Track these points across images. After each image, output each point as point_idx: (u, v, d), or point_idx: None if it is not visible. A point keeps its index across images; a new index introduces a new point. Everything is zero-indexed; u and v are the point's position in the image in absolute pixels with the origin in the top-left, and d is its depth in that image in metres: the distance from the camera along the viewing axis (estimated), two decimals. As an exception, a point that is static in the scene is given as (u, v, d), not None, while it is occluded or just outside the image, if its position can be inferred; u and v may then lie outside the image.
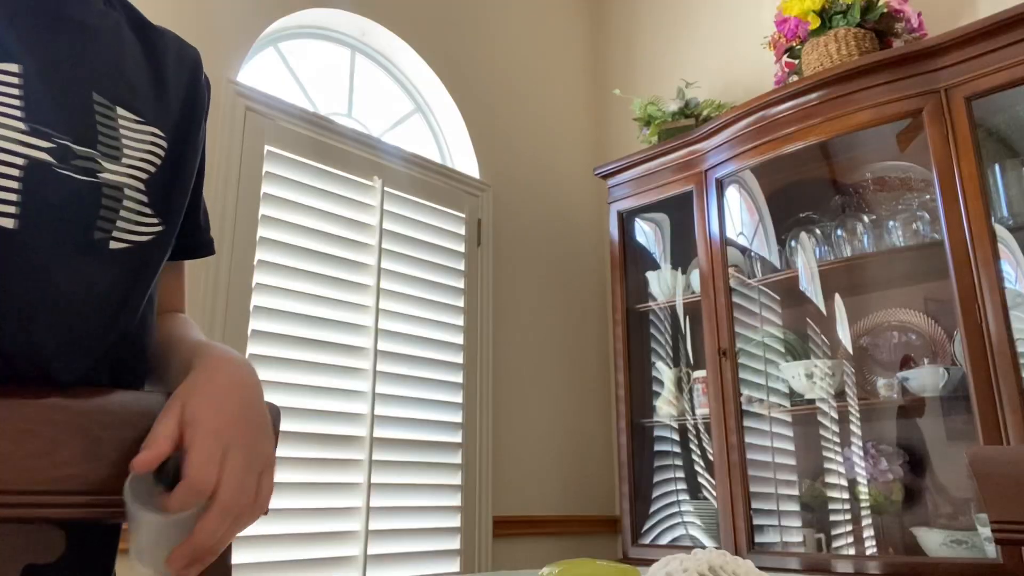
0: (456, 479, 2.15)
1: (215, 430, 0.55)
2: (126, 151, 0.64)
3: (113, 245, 0.63)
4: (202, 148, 0.77)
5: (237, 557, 1.64)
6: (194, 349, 0.66)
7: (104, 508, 0.54)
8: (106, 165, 0.62)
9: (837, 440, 2.07)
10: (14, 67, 0.58)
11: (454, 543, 2.10)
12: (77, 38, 0.63)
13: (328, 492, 1.83)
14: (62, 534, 0.56)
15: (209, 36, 1.85)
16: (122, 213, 0.63)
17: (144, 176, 0.65)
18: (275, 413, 0.66)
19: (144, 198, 0.65)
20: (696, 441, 2.35)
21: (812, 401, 2.07)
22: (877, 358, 2.12)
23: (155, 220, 0.67)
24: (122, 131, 0.64)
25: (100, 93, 0.63)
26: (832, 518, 2.04)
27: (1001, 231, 1.75)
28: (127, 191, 0.63)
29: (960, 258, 1.75)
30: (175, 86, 0.72)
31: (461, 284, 2.30)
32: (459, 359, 2.23)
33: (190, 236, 0.78)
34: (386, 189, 2.12)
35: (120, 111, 0.64)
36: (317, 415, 1.84)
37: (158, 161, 0.67)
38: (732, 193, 2.28)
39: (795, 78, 2.20)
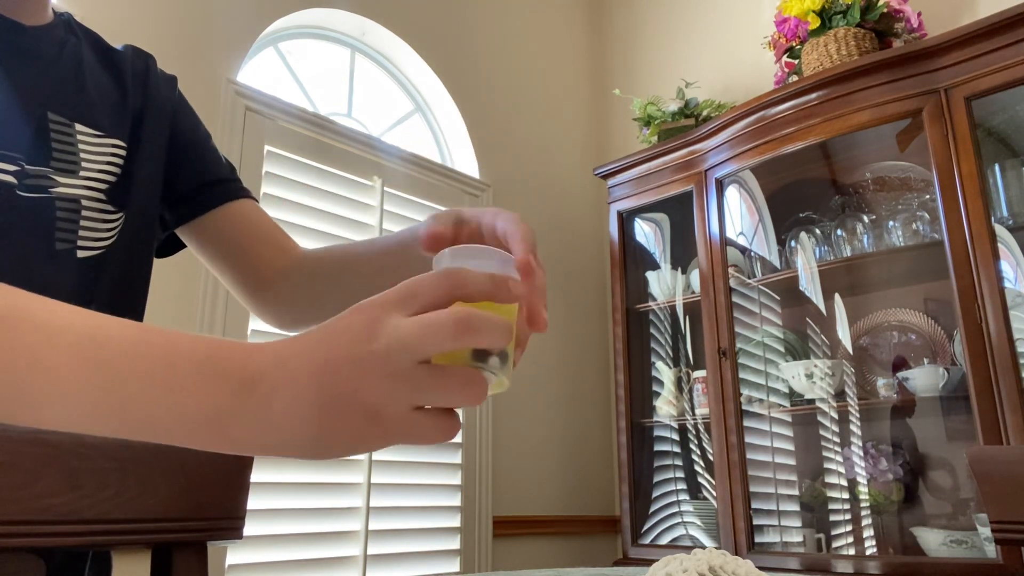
0: (456, 479, 2.15)
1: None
2: (84, 164, 0.68)
3: (81, 254, 0.67)
4: (168, 130, 0.80)
5: (237, 557, 1.64)
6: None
7: (82, 536, 0.56)
8: (60, 180, 0.66)
9: (837, 440, 2.07)
10: None
11: (454, 543, 2.10)
12: (34, 67, 0.68)
13: (328, 492, 1.83)
14: (41, 563, 0.58)
15: (209, 36, 1.85)
16: (83, 223, 0.67)
17: (104, 186, 0.69)
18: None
19: (107, 206, 0.69)
20: (696, 441, 2.35)
21: (812, 401, 2.07)
22: (877, 358, 2.12)
23: (117, 214, 0.71)
24: (80, 145, 0.68)
25: (56, 112, 0.67)
26: (832, 518, 2.04)
27: (1001, 231, 1.75)
28: (85, 202, 0.67)
29: (960, 258, 1.75)
30: (133, 95, 0.77)
31: (461, 284, 2.29)
32: (459, 359, 2.23)
33: (224, 182, 0.84)
34: (386, 189, 2.12)
35: (79, 127, 0.69)
36: (317, 415, 1.83)
37: (118, 171, 0.71)
38: (732, 193, 2.28)
39: (795, 78, 2.20)
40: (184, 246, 0.85)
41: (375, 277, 0.75)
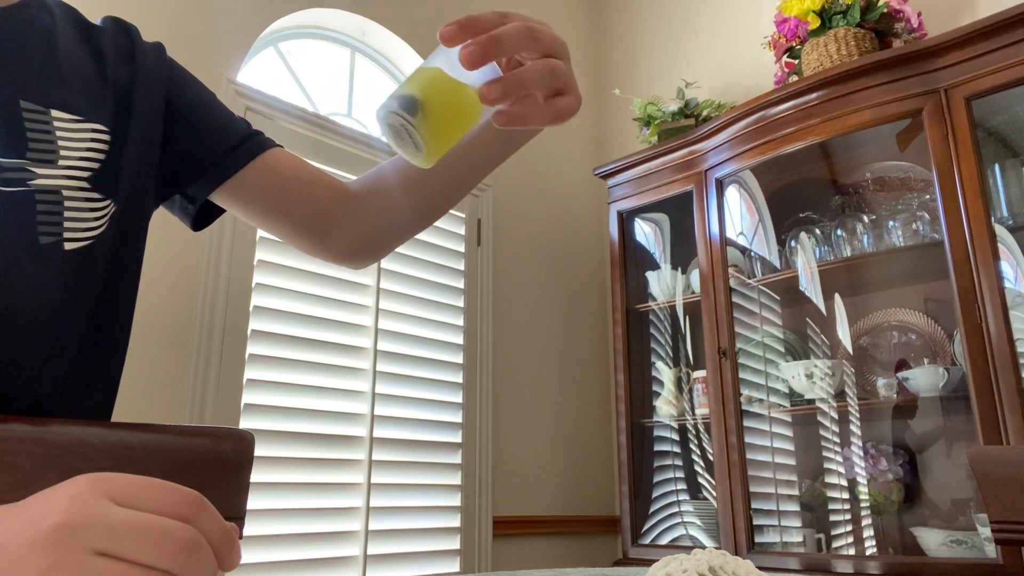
0: (456, 479, 2.15)
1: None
2: (63, 152, 0.65)
3: (69, 247, 0.64)
4: (162, 104, 0.76)
5: (237, 557, 1.64)
6: None
7: None
8: (38, 171, 0.63)
9: (837, 440, 2.07)
10: None
11: (454, 543, 2.10)
12: (1, 53, 0.64)
13: (328, 492, 1.83)
14: None
15: (209, 36, 1.85)
16: (67, 214, 0.64)
17: (87, 174, 0.66)
18: (250, 439, 0.69)
19: (93, 194, 0.66)
20: (696, 441, 2.35)
21: (812, 401, 2.07)
22: (877, 358, 2.12)
23: (104, 201, 0.68)
24: (58, 133, 0.65)
25: (29, 100, 0.64)
26: (832, 518, 2.04)
27: (1001, 231, 1.75)
28: (66, 192, 0.64)
29: (960, 258, 1.75)
30: (114, 73, 0.72)
31: (461, 284, 2.30)
32: (459, 359, 2.23)
33: (248, 137, 0.80)
34: (386, 189, 2.12)
35: (55, 113, 0.65)
36: (317, 415, 1.84)
37: (102, 156, 0.68)
38: (732, 193, 2.28)
39: (795, 78, 2.20)
40: (220, 212, 0.83)
41: (466, 157, 0.78)
